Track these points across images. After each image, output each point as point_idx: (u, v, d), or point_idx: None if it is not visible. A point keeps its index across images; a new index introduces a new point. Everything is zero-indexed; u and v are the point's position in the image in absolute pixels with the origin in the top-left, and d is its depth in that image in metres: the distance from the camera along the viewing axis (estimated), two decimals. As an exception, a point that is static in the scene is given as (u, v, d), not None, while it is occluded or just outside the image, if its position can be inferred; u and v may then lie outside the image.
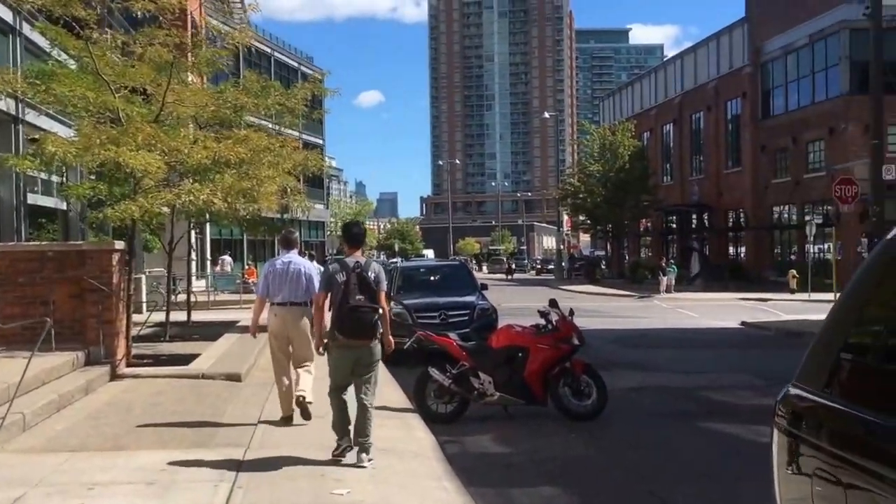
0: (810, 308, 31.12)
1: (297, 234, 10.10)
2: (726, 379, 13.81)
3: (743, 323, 24.49)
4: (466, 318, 16.29)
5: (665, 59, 66.96)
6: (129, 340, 12.50)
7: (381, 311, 7.49)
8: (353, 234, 7.76)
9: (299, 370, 8.98)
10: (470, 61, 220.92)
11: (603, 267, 59.81)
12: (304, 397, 8.74)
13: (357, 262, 7.49)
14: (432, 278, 19.07)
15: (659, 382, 12.97)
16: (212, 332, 18.16)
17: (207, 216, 17.45)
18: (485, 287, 18.00)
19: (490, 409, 10.58)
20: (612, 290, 43.69)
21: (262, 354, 15.80)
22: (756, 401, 11.63)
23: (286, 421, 9.11)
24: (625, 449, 9.08)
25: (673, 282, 40.41)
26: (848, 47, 41.79)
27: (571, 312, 10.68)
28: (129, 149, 10.47)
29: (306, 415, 8.82)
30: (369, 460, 7.31)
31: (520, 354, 10.35)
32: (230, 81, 17.04)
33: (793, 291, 38.25)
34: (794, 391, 3.76)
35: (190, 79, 14.73)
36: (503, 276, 69.35)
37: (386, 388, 12.05)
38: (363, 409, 7.40)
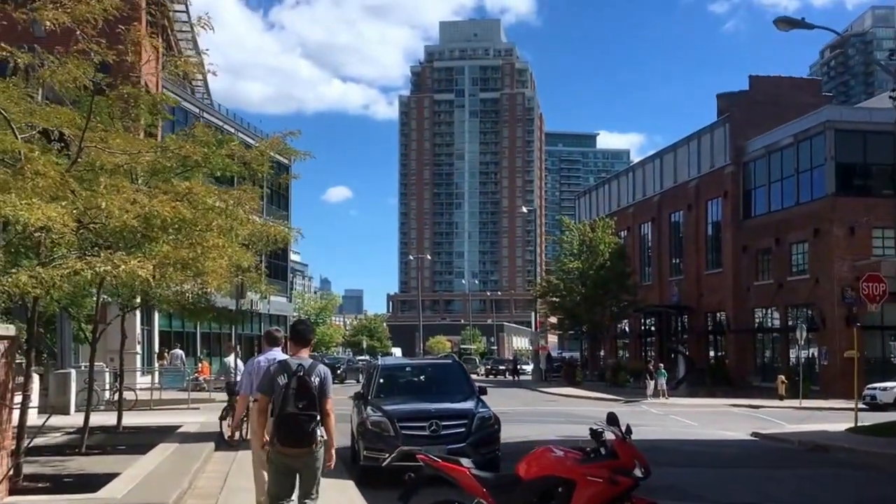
0: (808, 416, 28.80)
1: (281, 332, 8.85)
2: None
3: (755, 434, 21.79)
4: (463, 430, 13.54)
5: (643, 158, 65.83)
6: (18, 456, 9.41)
7: (320, 418, 7.25)
8: (298, 332, 7.50)
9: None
10: (440, 159, 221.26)
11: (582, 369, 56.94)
12: None
13: (300, 364, 7.22)
14: (420, 379, 16.24)
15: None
16: (145, 440, 15.05)
17: (140, 299, 14.47)
18: (483, 392, 15.08)
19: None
20: (594, 394, 40.87)
21: (203, 474, 12.78)
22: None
23: None
24: None
25: (664, 386, 37.65)
26: (833, 148, 40.83)
27: (629, 431, 7.82)
28: (23, 198, 7.61)
29: None
30: None
31: (560, 490, 7.68)
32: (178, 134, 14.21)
33: (781, 398, 36.35)
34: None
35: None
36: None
37: None
38: None
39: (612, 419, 7.96)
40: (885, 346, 40.60)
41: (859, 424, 21.41)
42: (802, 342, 36.86)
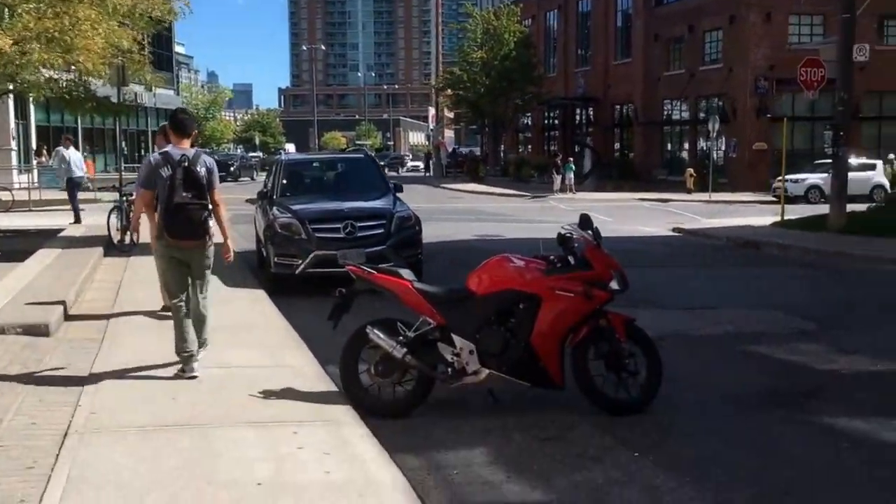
0: (720, 210, 28.75)
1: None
2: (757, 319, 10.23)
3: (677, 230, 21.36)
4: (381, 231, 12.10)
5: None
6: None
7: (211, 208, 7.04)
8: (179, 122, 7.16)
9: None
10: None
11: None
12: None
13: (184, 154, 6.95)
14: (329, 176, 14.57)
15: (668, 327, 9.20)
16: (22, 245, 13.26)
17: (10, 85, 12.27)
18: (399, 189, 13.68)
19: (464, 394, 6.59)
20: (499, 190, 40.14)
21: (91, 284, 11.26)
22: (837, 361, 8.23)
23: None
24: (725, 476, 5.33)
25: (572, 181, 37.16)
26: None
27: (598, 235, 6.62)
28: None
29: None
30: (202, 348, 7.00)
31: (521, 306, 6.35)
32: None
33: (689, 191, 36.37)
34: None
35: None
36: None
37: (285, 347, 7.86)
38: (197, 315, 7.06)
39: (585, 221, 6.68)
40: (794, 137, 40.80)
41: (785, 218, 21.20)
42: (714, 134, 36.55)
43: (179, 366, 6.87)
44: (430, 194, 36.50)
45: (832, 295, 12.16)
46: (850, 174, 31.18)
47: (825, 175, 31.31)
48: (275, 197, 13.05)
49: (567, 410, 6.42)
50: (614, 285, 6.41)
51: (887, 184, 31.63)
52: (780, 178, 32.80)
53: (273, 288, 11.49)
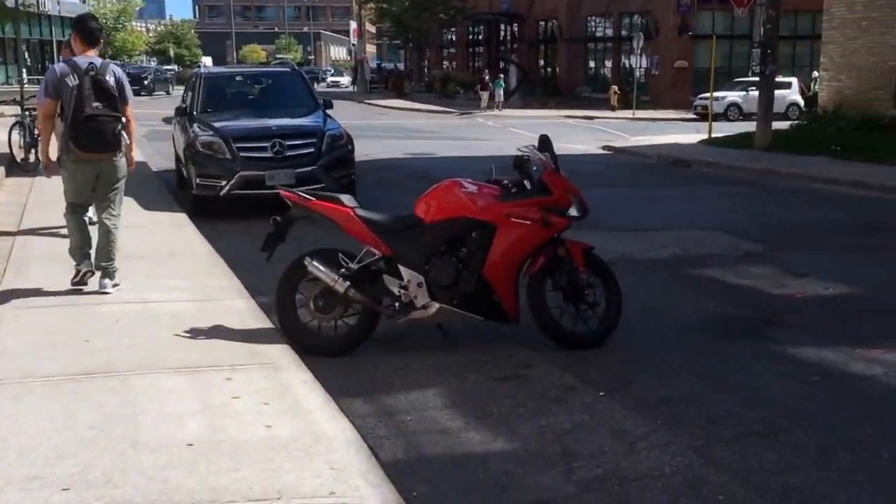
0: (645, 128, 28.66)
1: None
2: (702, 241, 9.95)
3: (607, 148, 21.08)
4: (312, 150, 11.39)
5: None
6: None
7: (124, 120, 6.65)
8: (89, 29, 6.70)
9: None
10: None
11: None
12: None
13: (91, 63, 6.52)
14: (254, 91, 13.58)
15: (614, 250, 8.80)
16: None
17: None
18: (329, 105, 12.88)
19: (411, 329, 6.11)
20: (425, 106, 39.31)
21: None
22: (790, 285, 8.00)
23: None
24: (700, 417, 4.96)
25: (501, 98, 36.46)
26: None
27: (555, 157, 6.09)
28: None
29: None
30: (114, 286, 6.69)
31: (474, 234, 5.81)
32: None
33: (613, 109, 36.37)
34: None
35: None
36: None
37: (212, 277, 7.22)
38: (107, 233, 6.71)
39: (545, 143, 6.14)
40: (715, 55, 40.64)
41: (712, 136, 21.03)
42: (638, 51, 36.20)
43: (79, 275, 6.60)
44: (355, 111, 35.38)
45: (769, 214, 11.99)
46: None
47: (743, 93, 31.46)
48: (195, 113, 12.17)
49: (522, 346, 5.98)
50: (573, 212, 5.94)
51: (801, 102, 31.90)
52: (703, 95, 32.90)
53: (195, 211, 10.78)
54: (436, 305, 5.75)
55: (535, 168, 5.99)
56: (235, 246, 8.55)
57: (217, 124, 11.50)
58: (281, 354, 5.36)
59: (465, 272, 5.76)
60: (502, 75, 38.95)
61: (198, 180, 11.11)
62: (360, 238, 5.84)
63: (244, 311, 6.26)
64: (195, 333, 5.72)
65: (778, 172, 15.38)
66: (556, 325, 5.92)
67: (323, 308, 5.80)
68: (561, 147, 22.40)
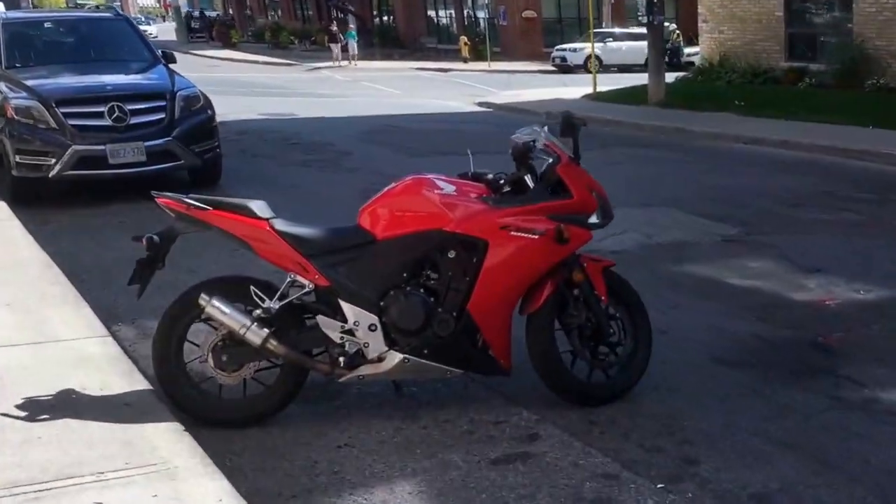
0: (508, 80, 27.03)
1: None
2: (665, 222, 8.18)
3: (484, 105, 19.22)
4: (162, 116, 8.89)
5: None
6: None
7: None
8: None
9: None
10: None
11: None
12: None
13: None
14: (72, 43, 10.50)
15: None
16: None
17: None
18: (171, 58, 10.30)
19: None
20: (261, 58, 36.04)
21: None
22: (809, 287, 6.28)
23: None
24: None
25: (356, 50, 33.54)
26: None
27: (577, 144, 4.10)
28: None
29: None
30: None
31: (452, 255, 3.91)
32: None
33: (465, 60, 34.77)
34: None
35: None
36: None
37: (49, 299, 4.95)
38: None
39: (569, 123, 4.05)
40: (560, 5, 39.56)
41: (598, 91, 19.43)
42: (488, 1, 34.47)
43: None
44: (182, 62, 31.80)
45: (714, 184, 10.37)
46: (628, 43, 30.74)
47: (601, 44, 30.33)
48: (-1, 70, 9.26)
49: (510, 402, 4.16)
50: (594, 218, 4.09)
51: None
52: (560, 46, 31.70)
53: (16, 198, 8.45)
54: (396, 356, 3.85)
55: (549, 158, 4.08)
56: (76, 245, 6.28)
57: (31, 83, 8.76)
58: (173, 443, 3.26)
59: (440, 309, 3.85)
60: (353, 26, 36.09)
61: (17, 158, 8.41)
62: (282, 263, 3.87)
63: (102, 360, 4.15)
64: (32, 410, 3.60)
65: (691, 132, 13.89)
66: (568, 377, 4.10)
67: (228, 363, 3.85)
68: (426, 103, 20.23)
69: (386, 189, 4.01)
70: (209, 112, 9.41)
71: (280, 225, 3.82)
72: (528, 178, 4.00)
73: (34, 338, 4.38)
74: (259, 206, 3.85)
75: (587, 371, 4.14)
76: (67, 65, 9.73)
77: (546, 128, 4.10)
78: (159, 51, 10.45)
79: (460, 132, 14.29)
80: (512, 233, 3.83)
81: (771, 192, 9.82)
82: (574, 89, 21.06)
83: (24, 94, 8.55)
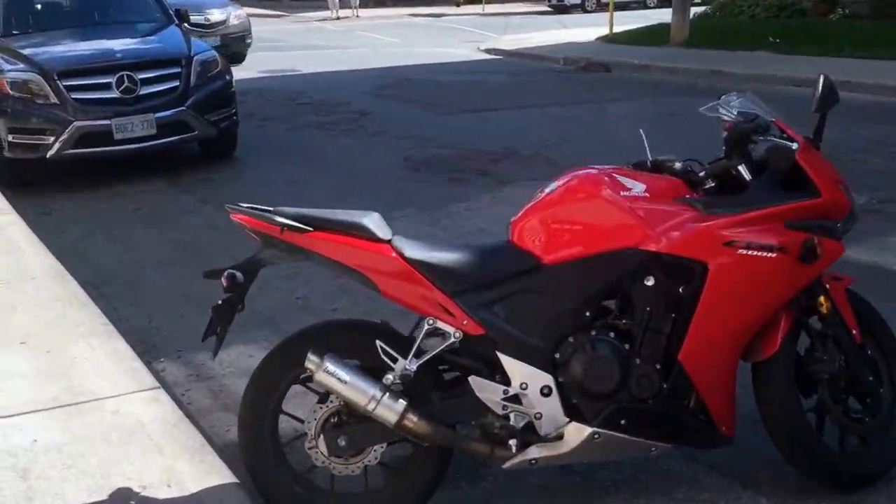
0: (506, 24, 25.79)
1: None
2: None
3: (492, 51, 18.14)
4: (177, 84, 7.93)
5: None
6: None
7: None
8: None
9: None
10: None
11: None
12: None
13: None
14: (75, 4, 9.29)
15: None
16: None
17: None
18: (184, 16, 9.28)
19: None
20: (249, 9, 34.13)
21: None
22: None
23: None
24: None
25: (357, 1, 31.75)
26: None
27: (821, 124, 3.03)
28: None
29: None
30: None
31: (650, 283, 2.73)
32: None
33: (458, 4, 33.48)
34: None
35: None
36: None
37: (62, 320, 4.20)
38: None
39: (829, 91, 2.95)
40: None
41: (614, 31, 18.29)
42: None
43: None
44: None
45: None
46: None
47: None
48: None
49: (723, 477, 3.09)
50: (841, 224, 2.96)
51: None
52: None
53: (12, 183, 7.54)
54: (584, 430, 2.73)
55: (774, 140, 2.91)
56: (86, 241, 5.61)
57: (29, 52, 7.80)
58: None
59: (640, 361, 2.77)
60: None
61: (11, 138, 7.48)
62: (416, 304, 2.74)
63: (158, 431, 3.19)
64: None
65: (731, 74, 12.83)
66: (821, 448, 2.97)
67: (347, 447, 2.75)
68: (431, 52, 18.98)
69: (548, 190, 2.90)
70: (227, 77, 8.48)
71: (408, 249, 2.74)
72: (742, 170, 2.88)
73: (63, 397, 3.36)
74: (375, 222, 2.77)
75: (838, 437, 3.03)
76: (71, 30, 8.69)
77: (748, 94, 3.12)
78: (171, 9, 9.40)
79: (481, 84, 13.24)
80: (740, 251, 2.75)
81: (858, 143, 8.80)
82: (577, 31, 20.03)
83: (21, 65, 7.57)
